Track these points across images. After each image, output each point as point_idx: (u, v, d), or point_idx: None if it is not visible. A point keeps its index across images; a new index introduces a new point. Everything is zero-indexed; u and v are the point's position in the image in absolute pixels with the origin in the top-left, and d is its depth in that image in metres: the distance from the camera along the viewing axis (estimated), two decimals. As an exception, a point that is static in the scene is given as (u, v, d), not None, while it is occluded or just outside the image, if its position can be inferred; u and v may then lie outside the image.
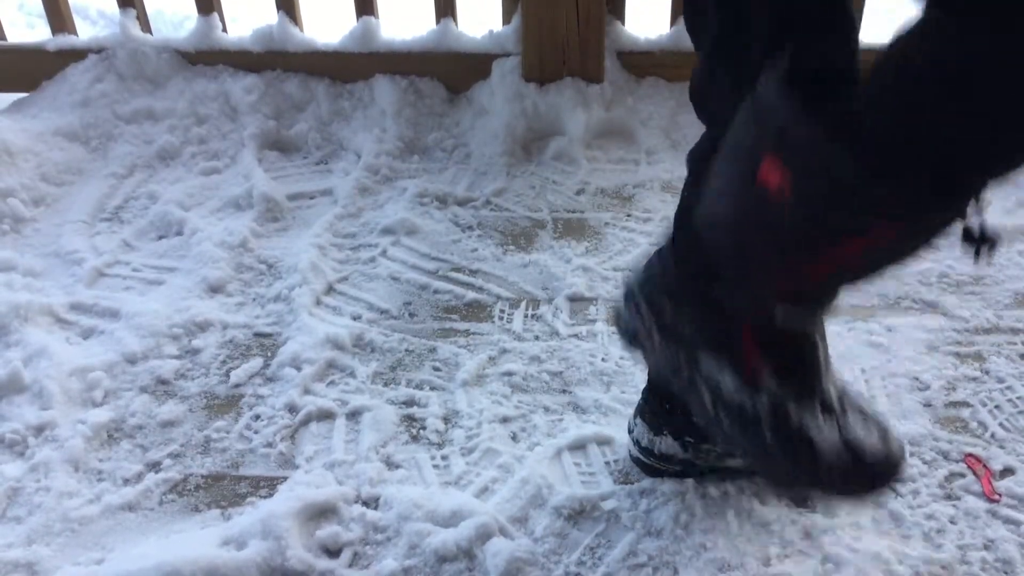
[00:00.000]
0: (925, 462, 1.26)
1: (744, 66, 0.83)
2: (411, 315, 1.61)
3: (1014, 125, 0.68)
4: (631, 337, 0.97)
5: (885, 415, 1.33)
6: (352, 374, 1.47)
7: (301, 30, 2.21)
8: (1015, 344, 1.47)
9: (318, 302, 1.63)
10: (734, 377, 0.89)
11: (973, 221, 0.74)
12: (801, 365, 0.89)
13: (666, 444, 1.19)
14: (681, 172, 1.96)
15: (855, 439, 0.87)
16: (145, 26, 2.26)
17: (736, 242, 0.84)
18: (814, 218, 0.75)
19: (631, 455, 1.26)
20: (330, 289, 1.67)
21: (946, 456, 1.27)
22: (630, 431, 1.25)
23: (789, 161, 0.74)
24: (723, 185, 0.83)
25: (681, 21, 2.10)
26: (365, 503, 1.24)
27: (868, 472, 0.88)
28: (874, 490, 0.91)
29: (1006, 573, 1.11)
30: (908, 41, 0.71)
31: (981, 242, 0.74)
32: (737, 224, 0.82)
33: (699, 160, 0.96)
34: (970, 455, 1.27)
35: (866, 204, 0.73)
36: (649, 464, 1.23)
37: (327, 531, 1.18)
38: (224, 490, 1.28)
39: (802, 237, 0.78)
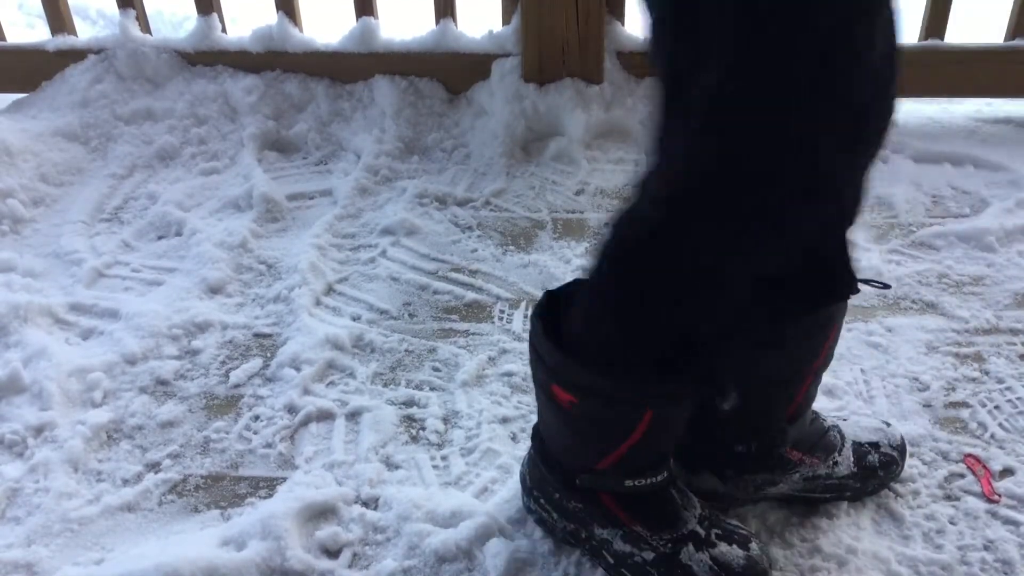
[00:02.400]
0: (925, 463, 1.26)
1: None
2: (411, 315, 1.61)
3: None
4: (542, 523, 1.15)
5: (884, 415, 1.33)
6: (352, 374, 1.47)
7: (301, 30, 2.21)
8: (1015, 345, 1.47)
9: (318, 303, 1.63)
10: (621, 540, 1.07)
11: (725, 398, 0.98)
12: (666, 516, 1.07)
13: (705, 481, 1.15)
14: (681, 173, 1.97)
15: (723, 560, 1.05)
16: (145, 26, 2.26)
17: (565, 442, 1.06)
18: (598, 423, 1.00)
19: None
20: (330, 290, 1.67)
21: (946, 457, 1.27)
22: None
23: (568, 387, 0.98)
24: (540, 403, 1.07)
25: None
26: (365, 503, 1.24)
27: None
28: None
29: (1006, 574, 1.11)
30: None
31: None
32: (557, 429, 1.06)
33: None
34: (970, 456, 1.27)
35: (633, 403, 0.97)
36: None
37: (327, 531, 1.18)
38: (223, 490, 1.28)
39: (599, 436, 1.01)
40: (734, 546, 1.07)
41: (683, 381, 0.97)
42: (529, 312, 1.57)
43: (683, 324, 0.93)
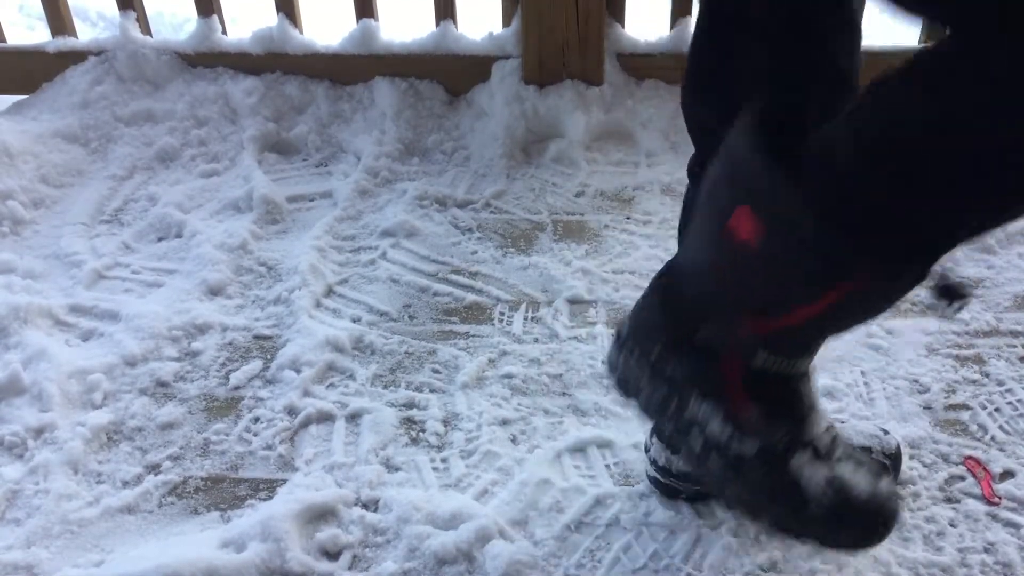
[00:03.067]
0: (925, 465, 1.26)
1: (730, 97, 0.86)
2: (411, 317, 1.61)
3: (995, 182, 0.68)
4: (623, 384, 0.96)
5: (885, 417, 1.33)
6: (352, 376, 1.47)
7: (301, 32, 2.21)
8: (1015, 347, 1.47)
9: (318, 304, 1.63)
10: (722, 421, 0.88)
11: (946, 276, 0.76)
12: (789, 410, 0.88)
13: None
14: (681, 175, 1.97)
15: (845, 487, 0.86)
16: (145, 28, 2.26)
17: (713, 287, 0.85)
18: (781, 271, 0.77)
19: (648, 475, 1.22)
20: (330, 291, 1.67)
21: (946, 459, 1.27)
22: (646, 450, 1.21)
23: (759, 212, 0.76)
24: (698, 230, 0.85)
25: (681, 23, 2.10)
26: (365, 505, 1.24)
27: (858, 522, 0.88)
28: (865, 540, 0.90)
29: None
30: (887, 84, 0.71)
31: (953, 296, 0.76)
32: (712, 270, 0.84)
33: (693, 176, 1.01)
34: (970, 458, 1.27)
35: (833, 262, 0.74)
36: (666, 484, 1.20)
37: (326, 533, 1.18)
38: (223, 492, 1.28)
39: (771, 288, 0.80)
40: (861, 472, 0.88)
41: (924, 260, 0.75)
42: (540, 311, 1.57)
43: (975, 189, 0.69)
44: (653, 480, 1.22)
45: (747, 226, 0.76)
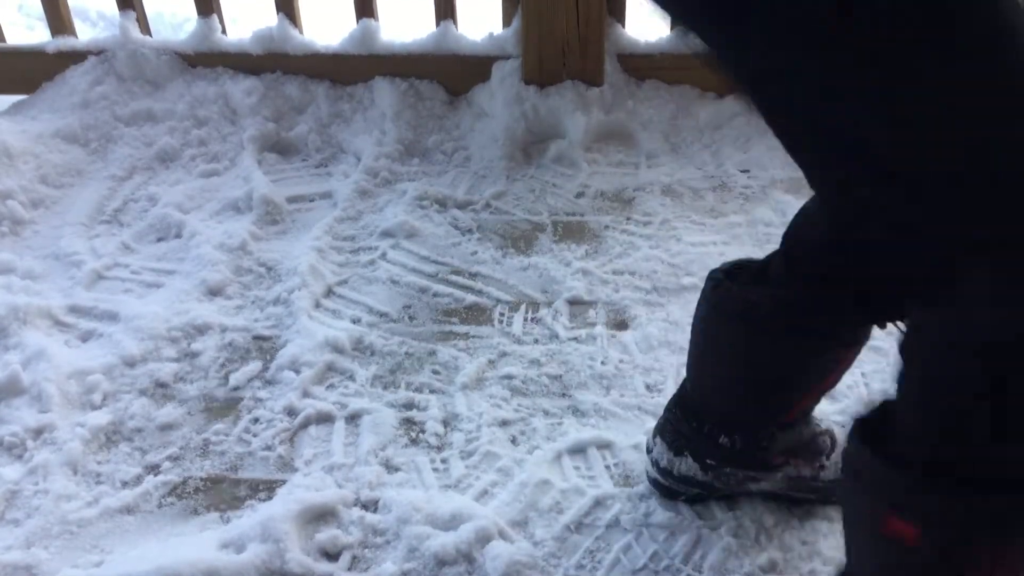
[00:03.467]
0: (925, 466, 1.26)
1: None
2: (411, 318, 1.60)
3: None
4: None
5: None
6: (351, 377, 1.47)
7: (301, 32, 2.21)
8: (1015, 348, 1.47)
9: (317, 305, 1.62)
10: None
11: None
12: None
13: (686, 465, 1.16)
14: (681, 175, 1.97)
15: None
16: (145, 28, 2.26)
17: None
18: (952, 560, 0.79)
19: (648, 476, 1.22)
20: (329, 292, 1.67)
21: (946, 460, 1.27)
22: (648, 451, 1.21)
23: (912, 517, 0.78)
24: (856, 540, 0.88)
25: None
26: (364, 506, 1.23)
27: None
28: None
29: (1006, 577, 1.10)
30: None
31: None
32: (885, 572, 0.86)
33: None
34: (970, 459, 1.26)
35: (997, 538, 0.76)
36: (667, 486, 1.20)
37: (326, 534, 1.18)
38: (223, 493, 1.28)
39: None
40: None
41: None
42: (540, 311, 1.57)
43: None
44: (654, 481, 1.21)
45: (901, 528, 0.79)
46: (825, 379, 1.08)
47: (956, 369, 0.74)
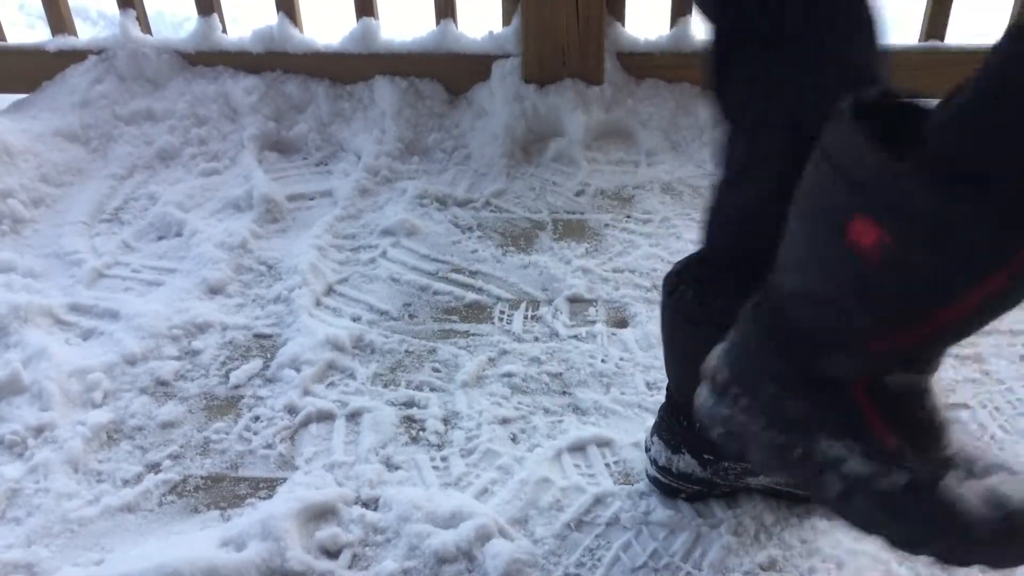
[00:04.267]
0: (925, 464, 1.26)
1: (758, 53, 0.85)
2: (411, 316, 1.61)
3: None
4: (731, 437, 0.86)
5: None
6: (352, 375, 1.47)
7: (301, 31, 2.21)
8: (1015, 346, 1.47)
9: (318, 303, 1.63)
10: (863, 456, 0.79)
11: None
12: (928, 428, 0.80)
13: (684, 462, 1.16)
14: (681, 173, 1.97)
15: (1004, 500, 0.77)
16: (145, 27, 2.26)
17: (836, 308, 0.75)
18: (921, 275, 0.69)
19: (648, 474, 1.22)
20: (330, 290, 1.67)
21: (946, 458, 1.27)
22: (647, 449, 1.21)
23: (885, 217, 0.67)
24: (806, 253, 0.76)
25: (681, 23, 2.10)
26: (365, 504, 1.24)
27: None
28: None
29: (1005, 574, 1.11)
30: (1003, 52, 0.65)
31: None
32: (831, 294, 0.75)
33: (731, 165, 0.95)
34: (970, 457, 1.27)
35: (985, 251, 0.66)
36: (667, 483, 1.20)
37: (326, 532, 1.18)
38: (223, 491, 1.28)
39: (910, 296, 0.71)
40: (1013, 481, 0.78)
41: None
42: (540, 309, 1.57)
43: None
44: (653, 479, 1.21)
45: (872, 236, 0.68)
46: None
47: None
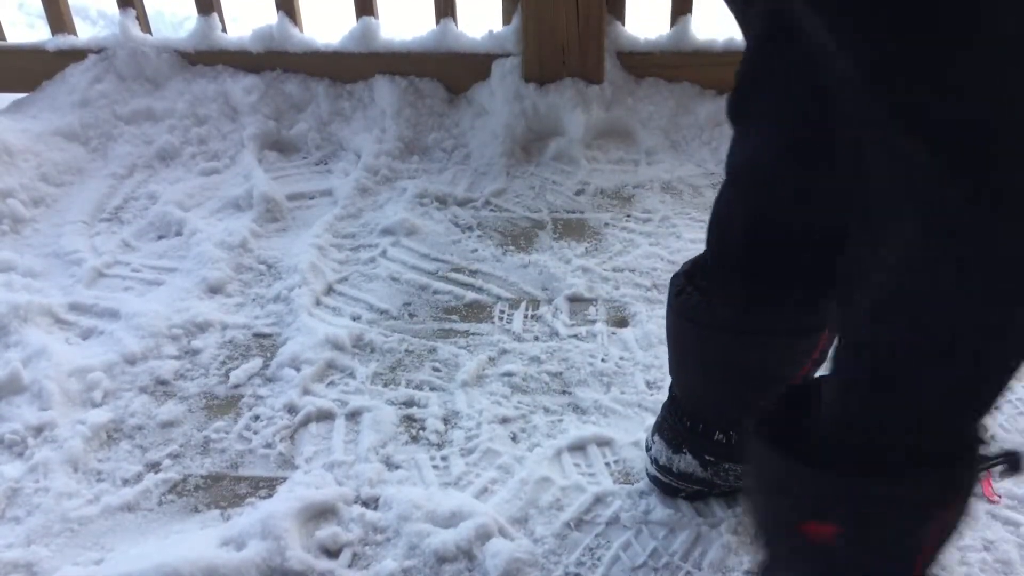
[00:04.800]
0: (925, 463, 1.26)
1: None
2: (411, 315, 1.61)
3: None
4: None
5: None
6: (352, 375, 1.47)
7: (301, 30, 2.21)
8: (1015, 345, 1.47)
9: (318, 303, 1.63)
10: None
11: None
12: None
13: (685, 462, 1.16)
14: (681, 172, 1.97)
15: None
16: (145, 26, 2.26)
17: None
18: (881, 550, 0.77)
19: (648, 473, 1.22)
20: (330, 290, 1.67)
21: (946, 457, 1.27)
22: (647, 448, 1.21)
23: (828, 519, 0.75)
24: (777, 558, 0.84)
25: (681, 22, 2.10)
26: (364, 503, 1.24)
27: None
28: None
29: (1005, 574, 1.11)
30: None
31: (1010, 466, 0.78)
32: (796, 566, 0.84)
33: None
34: (970, 456, 1.27)
35: (922, 515, 0.75)
36: (667, 483, 1.19)
37: (326, 531, 1.18)
38: (223, 490, 1.28)
39: (880, 565, 0.79)
40: None
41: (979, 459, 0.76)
42: (540, 309, 1.57)
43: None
44: (654, 479, 1.21)
45: (820, 531, 0.77)
46: (803, 367, 1.06)
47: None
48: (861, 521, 0.75)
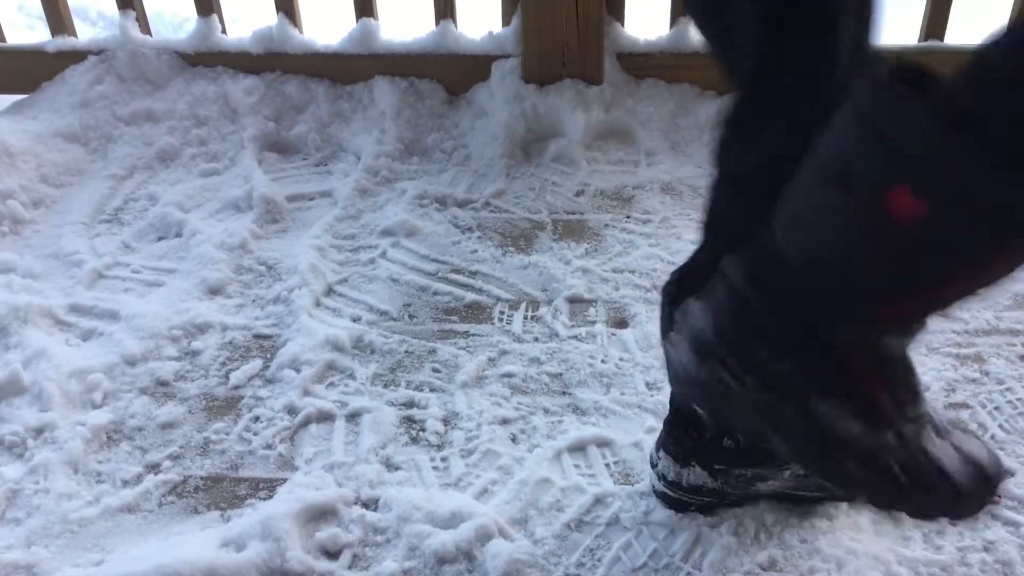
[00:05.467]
0: (925, 464, 1.26)
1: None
2: (411, 317, 1.61)
3: None
4: (711, 396, 0.84)
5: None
6: (352, 376, 1.47)
7: (301, 32, 2.21)
8: (1015, 346, 1.47)
9: (318, 304, 1.63)
10: (858, 419, 0.80)
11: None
12: (911, 391, 0.83)
13: (695, 475, 1.14)
14: (680, 173, 1.97)
15: (967, 450, 0.83)
16: (145, 28, 2.26)
17: (850, 278, 0.74)
18: (951, 246, 0.68)
19: (655, 490, 1.20)
20: (330, 291, 1.67)
21: (946, 458, 1.27)
22: (653, 465, 1.19)
23: (928, 190, 0.65)
24: (826, 217, 0.74)
25: (680, 23, 2.10)
26: (365, 505, 1.24)
27: (991, 485, 0.86)
28: (984, 502, 0.89)
29: (1005, 575, 1.11)
30: None
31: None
32: (852, 259, 0.73)
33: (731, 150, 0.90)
34: (970, 457, 1.27)
35: (1013, 223, 0.65)
36: (676, 498, 1.17)
37: (326, 533, 1.18)
38: (223, 492, 1.28)
39: (934, 267, 0.71)
40: (968, 436, 0.86)
41: None
42: (540, 310, 1.57)
43: None
44: (662, 495, 1.19)
45: (908, 207, 0.66)
46: None
47: None
48: (957, 202, 0.65)
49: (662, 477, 1.17)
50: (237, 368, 1.49)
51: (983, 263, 0.69)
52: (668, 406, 1.17)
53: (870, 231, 0.69)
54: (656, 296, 1.61)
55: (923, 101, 0.64)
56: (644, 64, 2.13)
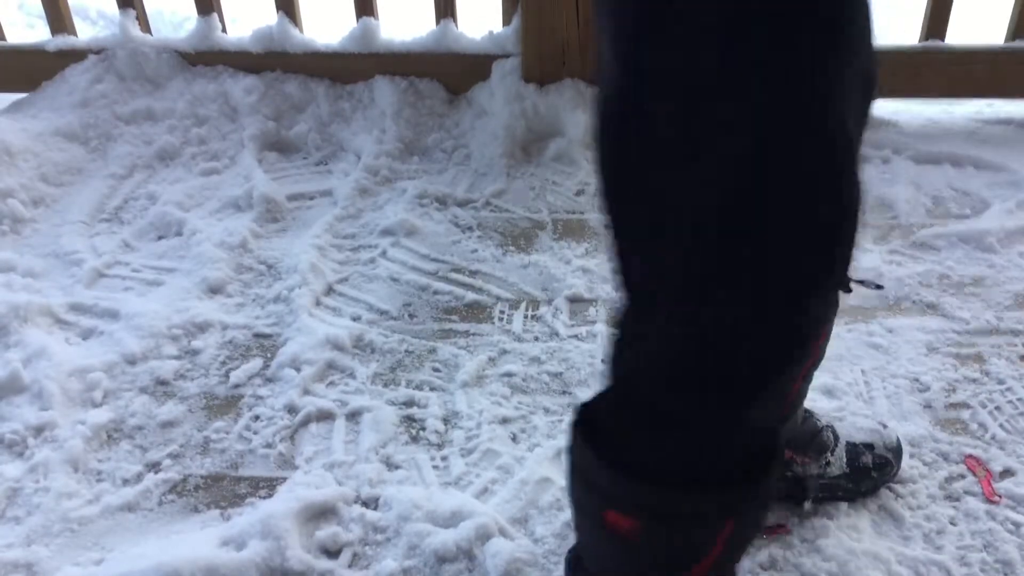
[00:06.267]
0: (925, 463, 1.26)
1: None
2: (411, 316, 1.61)
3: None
4: None
5: (885, 416, 1.33)
6: (352, 375, 1.47)
7: (301, 31, 2.21)
8: (1015, 346, 1.47)
9: (318, 303, 1.63)
10: None
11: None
12: None
13: None
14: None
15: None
16: (145, 27, 2.26)
17: (614, 569, 0.87)
18: (673, 546, 0.80)
19: None
20: (330, 290, 1.67)
21: (946, 457, 1.27)
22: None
23: (629, 510, 0.78)
24: (579, 521, 0.88)
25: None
26: (365, 504, 1.24)
27: None
28: None
29: (1005, 574, 1.11)
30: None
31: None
32: (604, 556, 0.86)
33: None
34: (970, 456, 1.27)
35: (710, 519, 0.77)
36: None
37: (327, 532, 1.18)
38: (223, 491, 1.28)
39: (669, 565, 0.82)
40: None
41: (769, 477, 0.78)
42: (540, 309, 1.57)
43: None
44: None
45: (623, 523, 0.79)
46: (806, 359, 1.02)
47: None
48: (656, 521, 0.78)
49: None
50: (237, 367, 1.49)
51: (709, 552, 0.80)
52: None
53: (612, 541, 0.81)
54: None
55: (593, 446, 0.78)
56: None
